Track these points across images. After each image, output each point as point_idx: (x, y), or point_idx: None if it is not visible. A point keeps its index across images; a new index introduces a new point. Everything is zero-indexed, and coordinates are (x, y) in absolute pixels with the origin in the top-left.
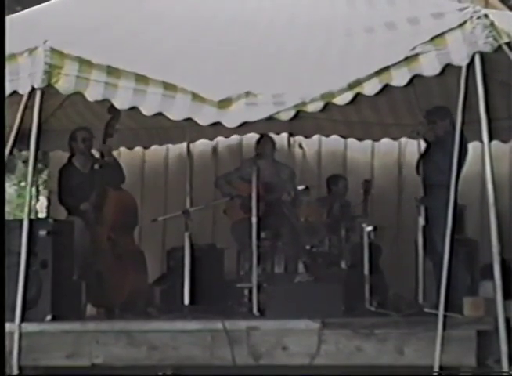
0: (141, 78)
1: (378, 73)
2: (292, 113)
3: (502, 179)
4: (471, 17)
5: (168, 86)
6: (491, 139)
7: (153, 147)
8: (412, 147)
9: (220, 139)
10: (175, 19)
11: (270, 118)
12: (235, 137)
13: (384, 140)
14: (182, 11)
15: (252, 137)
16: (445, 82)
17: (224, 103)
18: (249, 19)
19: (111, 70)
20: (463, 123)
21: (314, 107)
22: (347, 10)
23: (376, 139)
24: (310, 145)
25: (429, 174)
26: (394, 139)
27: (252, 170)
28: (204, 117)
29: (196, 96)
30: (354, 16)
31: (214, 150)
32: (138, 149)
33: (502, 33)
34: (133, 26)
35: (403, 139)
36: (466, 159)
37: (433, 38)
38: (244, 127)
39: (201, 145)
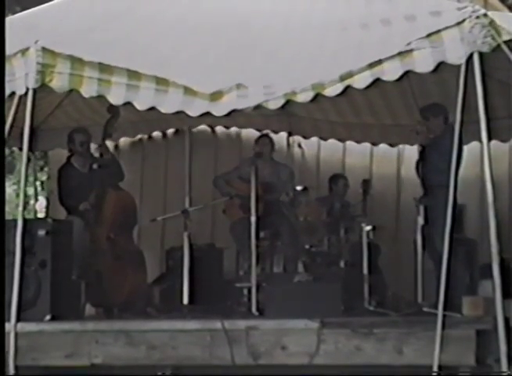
0: (133, 74)
1: (370, 66)
2: (281, 101)
3: (502, 179)
4: (470, 16)
5: (160, 81)
6: (490, 138)
7: (152, 146)
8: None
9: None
10: (168, 21)
11: (259, 107)
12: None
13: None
14: (175, 12)
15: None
16: (444, 83)
17: (215, 96)
18: (244, 16)
19: (103, 67)
20: (461, 122)
21: (304, 97)
22: (343, 6)
23: (375, 143)
24: (309, 146)
25: (426, 174)
26: (392, 145)
27: (251, 169)
28: (195, 109)
29: (188, 90)
30: (350, 13)
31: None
32: (137, 148)
33: (502, 31)
34: (126, 27)
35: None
36: (462, 158)
37: (429, 35)
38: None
39: (201, 145)
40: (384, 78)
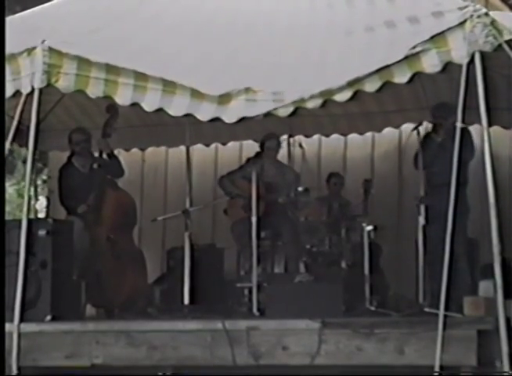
0: (140, 76)
1: (378, 71)
2: (291, 109)
3: (503, 179)
4: (471, 16)
5: (167, 83)
6: (490, 138)
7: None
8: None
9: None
10: (174, 20)
11: (268, 114)
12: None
13: (385, 132)
14: (180, 12)
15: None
16: (451, 75)
17: (223, 99)
18: (249, 18)
19: (110, 68)
20: (463, 121)
21: (313, 104)
22: (347, 9)
23: (379, 130)
24: (310, 144)
25: (434, 173)
26: (397, 127)
27: (255, 169)
28: (204, 112)
29: (195, 93)
30: (354, 15)
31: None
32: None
33: (503, 30)
34: (132, 27)
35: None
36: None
37: (433, 37)
38: (243, 132)
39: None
40: (394, 81)
